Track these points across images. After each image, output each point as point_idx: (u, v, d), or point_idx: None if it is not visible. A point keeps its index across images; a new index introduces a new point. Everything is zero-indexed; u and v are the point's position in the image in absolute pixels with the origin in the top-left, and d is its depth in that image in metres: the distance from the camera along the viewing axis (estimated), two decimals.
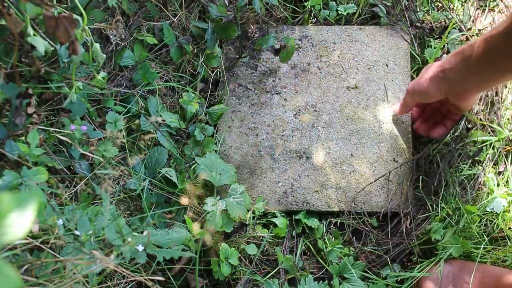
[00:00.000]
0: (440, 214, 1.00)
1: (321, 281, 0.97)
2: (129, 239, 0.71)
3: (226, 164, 1.01)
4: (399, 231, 1.03)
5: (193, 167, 1.01)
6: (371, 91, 1.11)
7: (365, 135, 1.08)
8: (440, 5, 1.20)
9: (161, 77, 1.10)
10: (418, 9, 1.19)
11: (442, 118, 1.05)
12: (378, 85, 1.11)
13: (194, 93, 1.10)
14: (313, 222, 1.03)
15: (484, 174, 1.05)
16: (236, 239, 1.01)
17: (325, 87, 1.12)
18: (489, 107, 1.10)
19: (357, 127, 1.09)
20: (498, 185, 1.05)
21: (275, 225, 1.04)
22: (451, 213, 1.00)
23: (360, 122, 1.09)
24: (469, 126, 1.08)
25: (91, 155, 0.92)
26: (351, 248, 1.03)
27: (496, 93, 1.11)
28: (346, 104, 1.10)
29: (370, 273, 0.99)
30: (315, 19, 1.19)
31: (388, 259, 1.00)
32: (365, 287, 0.96)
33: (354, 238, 1.04)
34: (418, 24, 1.17)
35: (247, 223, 1.02)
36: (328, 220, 1.06)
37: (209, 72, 1.12)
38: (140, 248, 0.72)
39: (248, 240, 1.02)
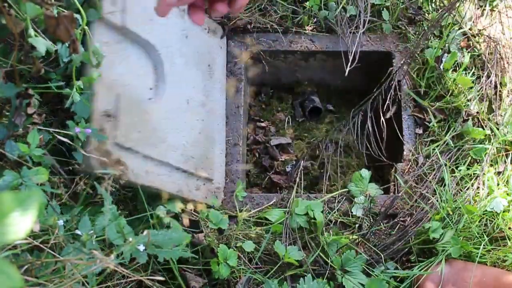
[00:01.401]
0: (440, 214, 1.00)
1: (320, 279, 0.96)
2: (130, 239, 0.71)
3: None
4: (398, 230, 1.03)
5: None
6: None
7: None
8: (441, 4, 1.20)
9: None
10: (418, 9, 1.19)
11: None
12: None
13: None
14: (318, 215, 1.01)
15: (484, 174, 1.05)
16: (229, 233, 1.00)
17: None
18: (488, 106, 1.10)
19: None
20: (498, 185, 1.04)
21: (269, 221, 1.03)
22: (451, 213, 1.00)
23: None
24: (466, 118, 1.08)
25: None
26: (351, 244, 1.02)
27: (495, 93, 1.11)
28: None
29: (371, 268, 0.99)
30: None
31: (387, 258, 1.00)
32: (367, 280, 0.96)
33: (353, 235, 1.04)
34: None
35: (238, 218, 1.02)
36: (328, 218, 1.05)
37: None
38: (141, 248, 0.72)
39: (244, 237, 1.01)
